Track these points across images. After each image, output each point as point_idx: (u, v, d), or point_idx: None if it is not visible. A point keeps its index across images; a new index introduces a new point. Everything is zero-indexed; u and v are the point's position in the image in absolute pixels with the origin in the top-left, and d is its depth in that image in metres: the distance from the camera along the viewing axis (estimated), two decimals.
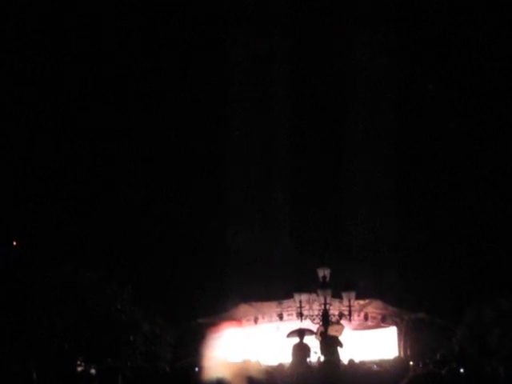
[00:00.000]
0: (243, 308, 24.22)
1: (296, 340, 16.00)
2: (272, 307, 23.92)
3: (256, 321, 24.24)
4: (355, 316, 21.50)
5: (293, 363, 14.41)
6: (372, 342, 23.54)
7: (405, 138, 29.41)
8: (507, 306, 21.22)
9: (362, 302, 22.95)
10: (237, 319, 24.26)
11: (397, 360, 16.76)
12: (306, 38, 30.36)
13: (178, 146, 29.41)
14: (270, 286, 24.07)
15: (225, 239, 27.81)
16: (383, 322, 24.20)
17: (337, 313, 17.89)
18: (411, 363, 17.47)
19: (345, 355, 15.59)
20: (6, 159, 26.69)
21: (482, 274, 25.02)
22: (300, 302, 17.22)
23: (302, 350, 15.13)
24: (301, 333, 15.96)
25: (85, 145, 29.18)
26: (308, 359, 15.77)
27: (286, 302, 22.65)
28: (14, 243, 24.03)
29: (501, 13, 27.97)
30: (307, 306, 17.71)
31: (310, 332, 17.39)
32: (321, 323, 17.04)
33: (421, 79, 29.44)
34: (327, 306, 16.89)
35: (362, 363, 14.97)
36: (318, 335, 16.82)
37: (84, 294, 19.93)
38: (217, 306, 24.30)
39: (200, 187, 29.06)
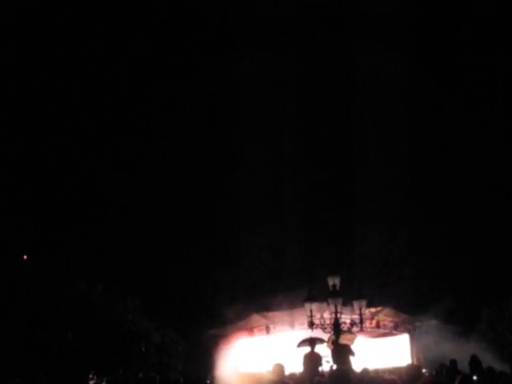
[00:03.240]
0: (254, 318, 24.15)
1: (307, 349, 15.93)
2: (283, 317, 23.82)
3: (268, 331, 24.14)
4: (367, 324, 21.37)
5: (304, 372, 14.33)
6: (384, 350, 23.39)
7: (418, 146, 29.41)
8: None
9: (373, 309, 22.82)
10: (248, 329, 24.20)
11: (409, 367, 16.60)
12: (316, 48, 30.50)
13: (186, 156, 29.50)
14: (280, 296, 23.98)
15: (236, 250, 27.79)
16: (395, 329, 24.04)
17: (348, 321, 17.76)
18: (424, 370, 17.34)
19: (357, 363, 15.50)
20: (20, 175, 26.91)
21: (494, 280, 24.87)
22: (311, 311, 17.11)
23: (313, 359, 15.06)
24: (312, 342, 15.88)
25: (97, 163, 29.40)
26: (320, 368, 15.68)
27: (297, 312, 22.55)
28: (25, 257, 24.15)
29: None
30: (318, 315, 17.59)
31: (321, 341, 17.30)
32: (332, 332, 16.94)
33: (433, 87, 29.45)
34: (338, 315, 16.78)
35: (376, 372, 14.86)
36: (330, 344, 16.74)
37: (95, 307, 19.99)
38: (228, 316, 24.25)
39: (211, 196, 29.11)
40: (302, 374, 14.23)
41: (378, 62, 29.48)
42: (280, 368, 10.34)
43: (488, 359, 18.05)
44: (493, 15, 28.64)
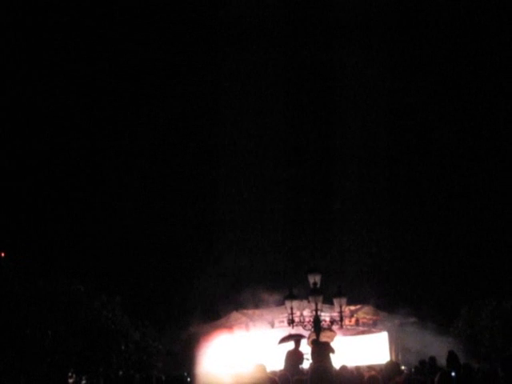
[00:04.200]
0: (235, 316, 24.21)
1: (288, 346, 15.98)
2: (263, 315, 23.90)
3: (247, 328, 24.21)
4: (346, 322, 21.52)
5: (287, 369, 14.35)
6: (364, 348, 23.56)
7: (397, 145, 29.67)
8: (498, 307, 21.38)
9: (353, 307, 23.00)
10: (228, 327, 24.23)
11: (388, 364, 16.74)
12: (299, 48, 30.60)
13: (169, 156, 29.46)
14: (261, 294, 24.06)
15: (217, 248, 27.80)
16: (374, 327, 24.24)
17: (328, 319, 17.85)
18: (403, 367, 17.49)
19: (337, 361, 15.56)
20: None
21: (473, 279, 25.14)
22: (291, 308, 17.17)
23: (295, 357, 15.10)
24: (297, 339, 15.94)
25: (77, 159, 29.23)
26: (300, 366, 15.72)
27: (278, 310, 22.64)
28: (2, 254, 23.91)
29: (490, 22, 28.30)
30: (298, 313, 17.67)
31: (302, 337, 17.34)
32: (312, 329, 17.01)
33: (411, 86, 29.68)
34: (318, 312, 16.85)
35: (357, 368, 14.92)
36: (310, 342, 16.80)
37: (74, 305, 19.88)
38: (208, 314, 24.27)
39: (192, 195, 29.08)
40: (284, 370, 14.25)
41: (360, 63, 29.68)
42: (263, 368, 10.38)
43: (465, 356, 18.27)
44: (475, 13, 28.94)
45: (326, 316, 18.13)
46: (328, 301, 18.06)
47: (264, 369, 10.32)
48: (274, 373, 14.47)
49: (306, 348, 17.10)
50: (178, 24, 30.22)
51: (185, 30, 30.21)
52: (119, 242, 27.64)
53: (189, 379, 17.22)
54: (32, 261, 23.70)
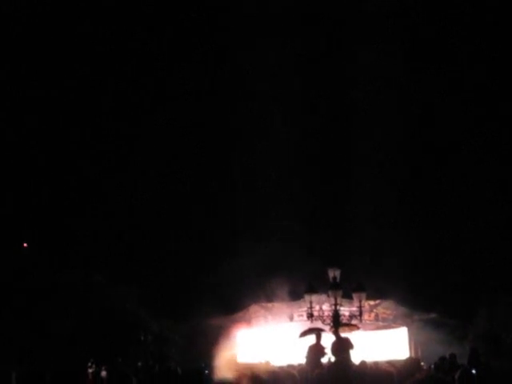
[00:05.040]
0: (254, 309, 24.23)
1: (311, 339, 15.97)
2: (282, 308, 23.91)
3: (266, 322, 24.23)
4: (366, 316, 21.43)
5: (308, 364, 14.32)
6: (383, 343, 23.45)
7: (410, 146, 29.55)
8: None
9: (372, 302, 22.91)
10: (247, 320, 24.27)
11: (408, 360, 16.63)
12: (313, 50, 30.48)
13: (186, 151, 29.51)
14: (279, 287, 24.04)
15: (236, 241, 27.80)
16: (394, 322, 24.13)
17: (347, 313, 17.76)
18: (422, 364, 17.37)
19: (355, 356, 15.50)
20: (18, 166, 26.92)
21: (492, 275, 24.91)
22: (310, 302, 17.11)
23: (316, 352, 15.07)
24: (318, 334, 15.91)
25: (91, 152, 29.39)
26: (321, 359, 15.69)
27: (297, 303, 22.64)
28: (25, 245, 24.14)
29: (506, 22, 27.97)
30: (317, 307, 17.61)
31: (323, 331, 17.31)
32: (331, 324, 16.94)
33: (427, 88, 29.47)
34: (338, 307, 16.78)
35: (375, 363, 14.85)
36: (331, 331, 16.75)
37: (93, 296, 20.04)
38: (227, 306, 24.30)
39: (211, 189, 29.12)
40: (305, 364, 14.24)
41: (376, 61, 29.50)
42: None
43: (485, 353, 18.09)
44: (490, 11, 28.61)
45: (345, 311, 18.03)
46: (347, 295, 17.98)
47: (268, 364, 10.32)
48: (292, 367, 14.48)
49: (326, 341, 17.05)
50: (188, 21, 30.22)
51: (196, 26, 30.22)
52: (138, 233, 27.76)
53: (207, 371, 17.28)
54: (53, 252, 23.92)
